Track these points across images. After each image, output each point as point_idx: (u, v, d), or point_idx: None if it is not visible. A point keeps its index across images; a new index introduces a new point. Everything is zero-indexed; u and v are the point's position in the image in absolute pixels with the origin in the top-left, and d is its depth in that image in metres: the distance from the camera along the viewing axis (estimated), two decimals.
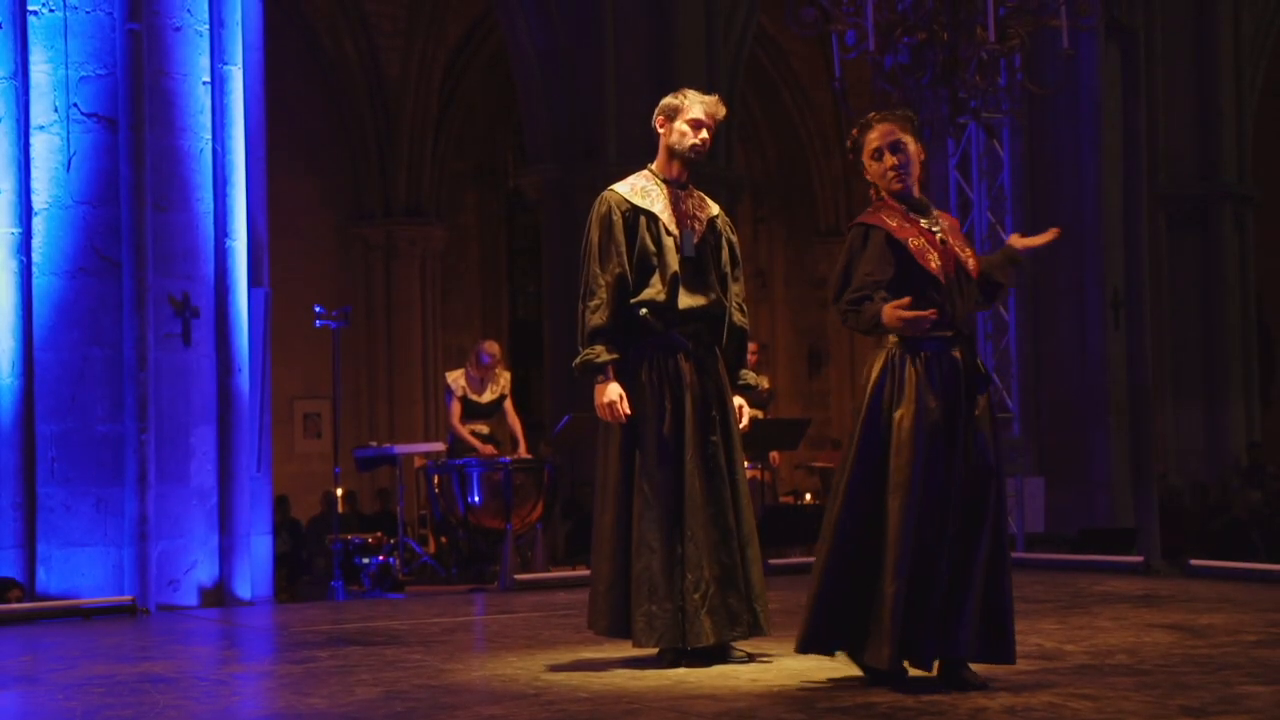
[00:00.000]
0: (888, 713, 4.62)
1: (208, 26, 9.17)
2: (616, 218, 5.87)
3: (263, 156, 9.92)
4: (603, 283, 5.81)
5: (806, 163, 23.55)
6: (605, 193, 5.97)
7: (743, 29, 16.27)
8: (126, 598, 8.58)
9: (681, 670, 5.57)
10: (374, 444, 15.73)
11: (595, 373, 5.78)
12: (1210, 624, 6.67)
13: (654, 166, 6.02)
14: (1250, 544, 14.17)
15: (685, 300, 5.87)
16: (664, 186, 5.95)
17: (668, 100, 6.00)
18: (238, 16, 9.42)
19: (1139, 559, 10.20)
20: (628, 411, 5.75)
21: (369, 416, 20.98)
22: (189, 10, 9.08)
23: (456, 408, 12.22)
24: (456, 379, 12.23)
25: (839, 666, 5.36)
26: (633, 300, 5.83)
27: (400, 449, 13.85)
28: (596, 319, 5.80)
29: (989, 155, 11.75)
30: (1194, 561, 9.70)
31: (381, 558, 11.91)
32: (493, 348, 12.31)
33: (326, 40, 20.88)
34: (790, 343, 23.19)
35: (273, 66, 10.50)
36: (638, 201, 5.91)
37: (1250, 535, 14.51)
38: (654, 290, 5.84)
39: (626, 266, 5.84)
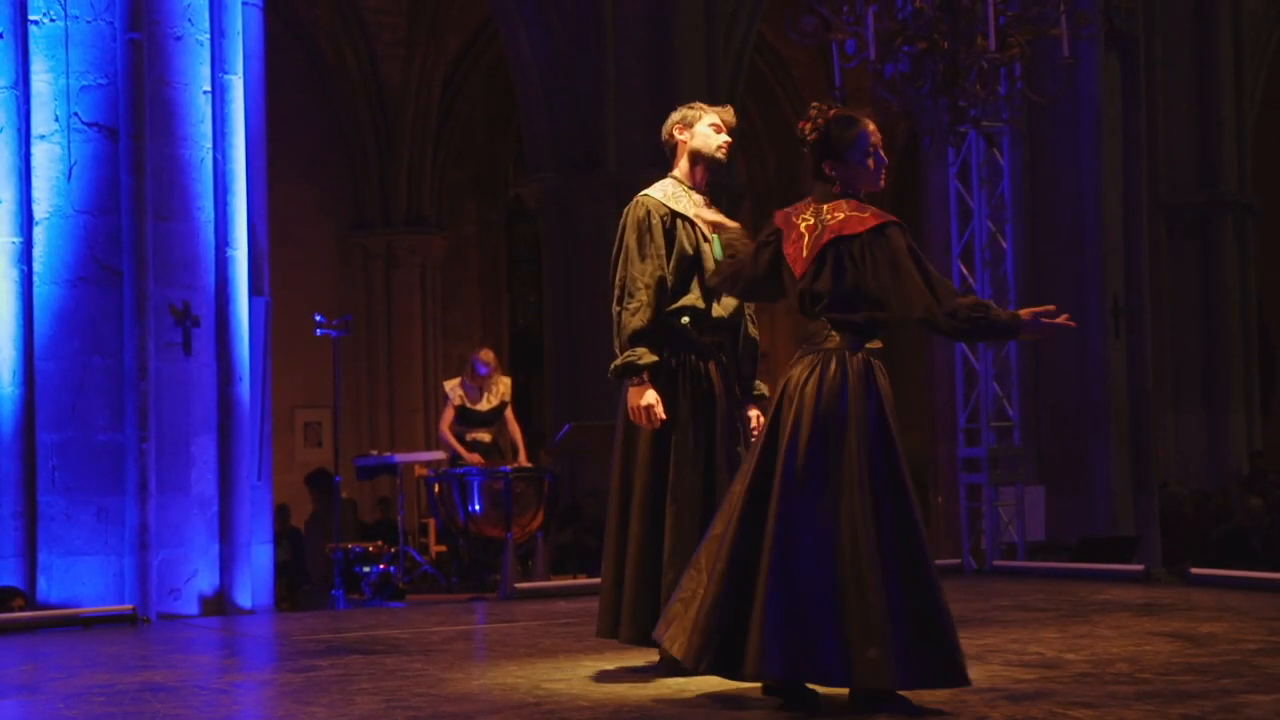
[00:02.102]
0: None
1: (208, 36, 9.17)
2: (655, 221, 5.85)
3: (263, 166, 9.93)
4: (642, 285, 5.77)
5: None
6: (640, 197, 5.93)
7: (743, 38, 16.29)
8: (127, 606, 8.58)
9: (684, 678, 5.56)
10: (374, 453, 15.72)
11: (634, 375, 5.72)
12: (1211, 632, 6.67)
13: (678, 174, 5.99)
14: (1251, 551, 14.15)
15: (716, 309, 5.88)
16: (692, 194, 5.95)
17: (681, 112, 6.01)
18: (238, 26, 9.43)
19: (1139, 567, 10.19)
20: (663, 417, 5.73)
21: (369, 425, 20.98)
22: (189, 20, 9.09)
23: (449, 414, 12.21)
24: (453, 387, 12.22)
25: None
26: (671, 307, 5.81)
27: (401, 458, 13.85)
28: (637, 321, 5.74)
29: (989, 164, 11.75)
30: (1195, 570, 9.70)
31: (382, 566, 11.91)
32: (488, 356, 12.28)
33: (327, 49, 20.90)
34: (790, 351, 23.17)
35: (273, 76, 10.51)
36: (675, 207, 5.90)
37: (1251, 543, 14.49)
38: (693, 296, 5.84)
39: (666, 270, 5.82)
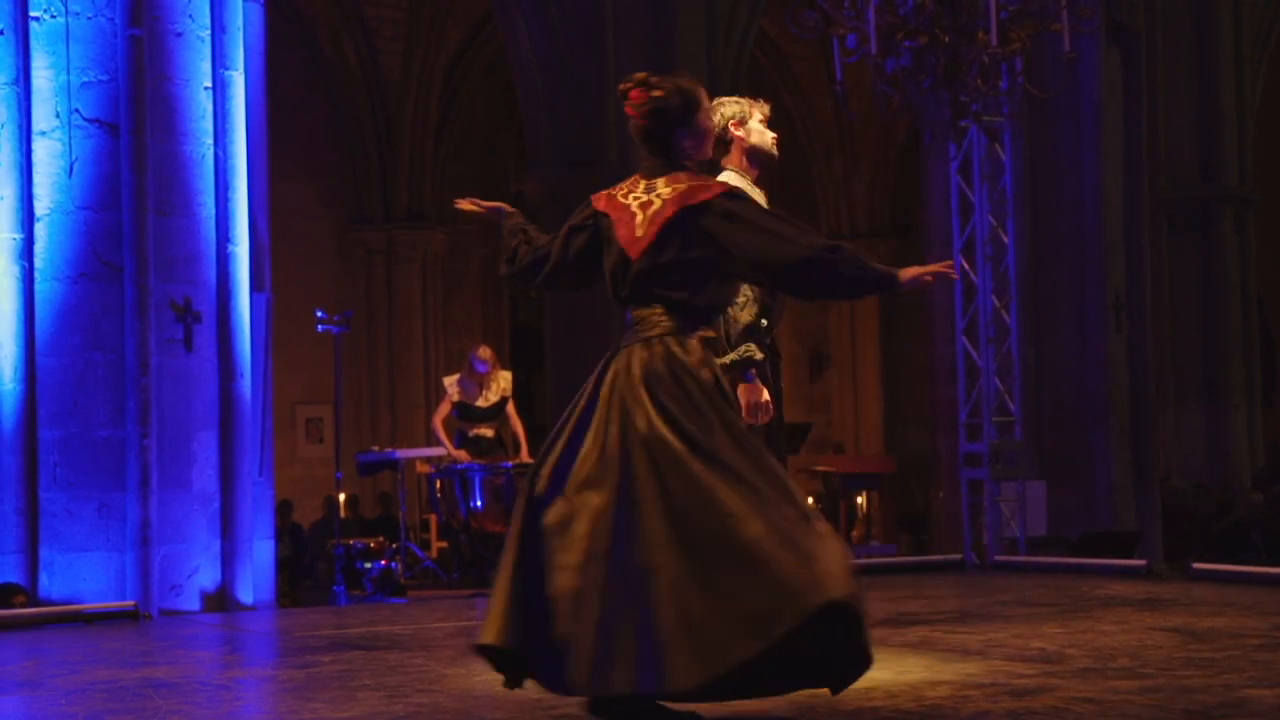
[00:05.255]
0: (890, 717, 4.61)
1: (209, 31, 9.17)
2: None
3: (264, 161, 9.93)
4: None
5: (808, 167, 23.56)
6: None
7: (743, 33, 16.28)
8: (129, 603, 8.59)
9: None
10: (376, 448, 15.74)
11: (747, 369, 5.62)
12: (1213, 627, 6.66)
13: (737, 169, 5.92)
14: (1252, 546, 14.16)
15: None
16: (756, 189, 5.91)
17: (731, 107, 5.92)
18: (239, 21, 9.43)
19: (1141, 562, 10.18)
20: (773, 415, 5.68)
21: (370, 421, 20.98)
22: (190, 15, 9.09)
23: (443, 408, 12.25)
24: (452, 383, 12.24)
25: None
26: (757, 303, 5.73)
27: (402, 453, 13.86)
28: (746, 316, 5.65)
29: (990, 159, 11.73)
30: (1197, 565, 9.69)
31: (384, 562, 11.92)
32: (486, 353, 12.28)
33: (327, 45, 20.89)
34: (792, 347, 23.19)
35: (274, 71, 10.51)
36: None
37: (1252, 538, 14.50)
38: (764, 295, 5.79)
39: None
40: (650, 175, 4.71)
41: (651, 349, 4.53)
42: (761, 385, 5.64)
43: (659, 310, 4.58)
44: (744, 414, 5.57)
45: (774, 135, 5.97)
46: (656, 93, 4.69)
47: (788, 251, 4.56)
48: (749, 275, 4.72)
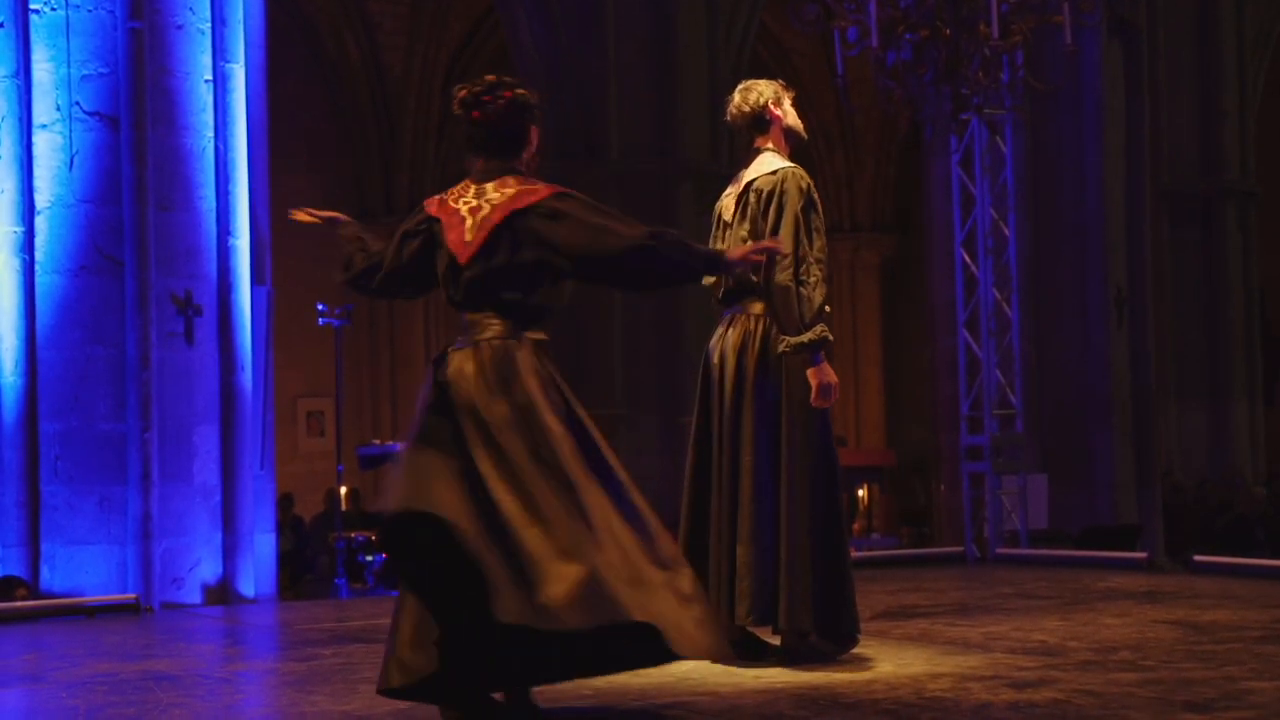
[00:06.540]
0: (891, 709, 4.61)
1: (209, 24, 9.17)
2: (816, 196, 5.75)
3: (265, 155, 9.93)
4: (813, 260, 5.63)
5: (810, 161, 23.48)
6: (794, 168, 5.79)
7: (745, 27, 16.26)
8: (130, 596, 8.60)
9: (687, 665, 5.55)
10: (377, 442, 15.72)
11: (817, 351, 5.57)
12: (1214, 620, 6.66)
13: (776, 149, 5.91)
14: (1255, 539, 14.15)
15: None
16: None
17: (769, 88, 5.93)
18: (239, 14, 9.43)
19: (1143, 555, 10.18)
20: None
21: (372, 415, 20.99)
22: (190, 8, 9.09)
23: None
24: None
25: (842, 664, 5.38)
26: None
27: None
28: (819, 296, 5.61)
29: (992, 152, 11.71)
30: (1198, 558, 9.69)
31: (385, 555, 11.91)
32: None
33: (329, 39, 20.89)
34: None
35: (274, 65, 10.50)
36: None
37: (1254, 531, 14.49)
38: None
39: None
40: (481, 180, 4.71)
41: (480, 353, 4.53)
42: (830, 368, 5.61)
43: (490, 314, 4.59)
44: (814, 396, 5.56)
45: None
46: (518, 90, 4.77)
47: (612, 242, 4.58)
48: (582, 271, 4.67)
